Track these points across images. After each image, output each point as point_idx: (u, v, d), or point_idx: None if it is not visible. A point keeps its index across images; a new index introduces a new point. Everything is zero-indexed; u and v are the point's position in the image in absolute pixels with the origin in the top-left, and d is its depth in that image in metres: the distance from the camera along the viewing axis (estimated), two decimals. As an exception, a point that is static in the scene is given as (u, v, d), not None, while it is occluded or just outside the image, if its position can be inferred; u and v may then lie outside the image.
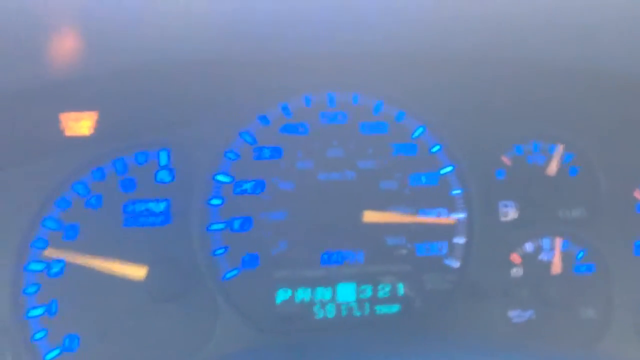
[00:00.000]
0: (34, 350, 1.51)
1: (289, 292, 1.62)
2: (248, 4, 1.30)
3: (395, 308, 1.65)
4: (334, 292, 1.64)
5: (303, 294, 1.63)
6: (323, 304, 1.63)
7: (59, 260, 1.54)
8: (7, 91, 1.46)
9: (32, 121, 1.53)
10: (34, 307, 1.52)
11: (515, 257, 1.68)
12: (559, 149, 1.72)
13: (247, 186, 1.63)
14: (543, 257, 1.69)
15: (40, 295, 1.53)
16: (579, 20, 1.38)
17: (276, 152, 1.65)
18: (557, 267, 1.68)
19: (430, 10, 1.38)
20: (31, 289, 1.52)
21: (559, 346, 1.61)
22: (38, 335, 1.51)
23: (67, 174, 1.56)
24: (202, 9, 1.29)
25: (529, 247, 1.69)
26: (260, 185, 1.64)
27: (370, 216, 1.64)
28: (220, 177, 1.62)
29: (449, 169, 1.69)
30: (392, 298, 1.65)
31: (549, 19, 1.39)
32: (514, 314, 1.66)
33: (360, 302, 1.64)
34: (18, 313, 1.51)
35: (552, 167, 1.72)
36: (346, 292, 1.64)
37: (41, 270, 1.53)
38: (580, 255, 1.69)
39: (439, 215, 1.68)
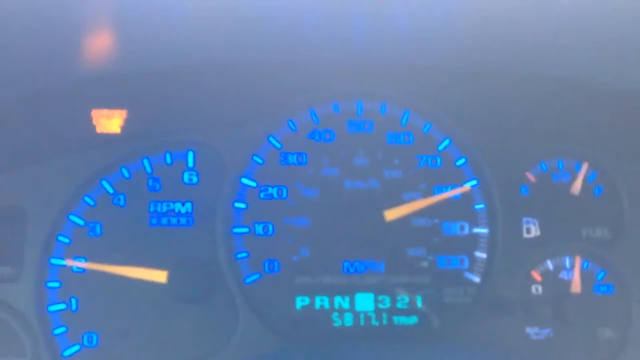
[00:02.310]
0: (54, 345, 1.52)
1: (308, 299, 1.62)
2: (284, 11, 1.31)
3: (413, 319, 1.65)
4: (352, 301, 1.64)
5: (322, 302, 1.63)
6: (341, 312, 1.63)
7: (82, 257, 1.54)
8: (42, 86, 1.48)
9: (65, 117, 1.55)
10: (56, 303, 1.52)
11: (535, 274, 1.68)
12: (584, 168, 1.72)
13: (272, 191, 1.63)
14: (563, 275, 1.69)
15: (62, 291, 1.54)
16: (610, 40, 1.38)
17: (302, 158, 1.66)
18: (577, 286, 1.68)
19: (461, 25, 1.39)
20: (54, 284, 1.53)
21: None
22: (58, 331, 1.52)
23: (96, 171, 1.56)
24: (237, 13, 1.29)
25: (550, 264, 1.69)
26: (284, 191, 1.64)
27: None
28: (245, 181, 1.62)
29: (473, 182, 1.69)
30: (410, 309, 1.65)
31: (579, 38, 1.39)
32: (532, 331, 1.66)
33: (378, 312, 1.64)
34: (40, 306, 1.51)
35: (577, 186, 1.72)
36: (365, 302, 1.64)
37: (64, 266, 1.53)
38: (601, 275, 1.69)
39: (461, 229, 1.68)
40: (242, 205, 1.62)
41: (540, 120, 1.71)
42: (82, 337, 1.52)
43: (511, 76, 1.65)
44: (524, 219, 1.70)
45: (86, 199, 1.56)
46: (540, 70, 1.64)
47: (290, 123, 1.65)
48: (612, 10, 1.22)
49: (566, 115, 1.71)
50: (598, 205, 1.73)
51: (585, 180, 1.73)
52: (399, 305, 1.64)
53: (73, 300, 1.53)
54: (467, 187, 1.69)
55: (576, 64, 1.57)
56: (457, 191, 1.68)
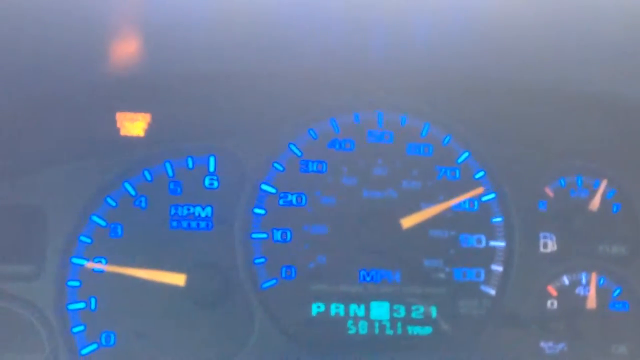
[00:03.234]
0: (72, 343, 1.54)
1: (323, 306, 1.63)
2: (309, 20, 1.32)
3: (427, 330, 1.66)
4: (367, 309, 1.65)
5: (337, 309, 1.64)
6: (356, 320, 1.64)
7: (102, 257, 1.56)
8: (69, 88, 1.50)
9: (90, 119, 1.57)
10: (75, 301, 1.54)
11: (551, 289, 1.68)
12: (603, 185, 1.72)
13: (292, 198, 1.65)
14: (579, 291, 1.69)
15: (82, 290, 1.56)
16: (633, 54, 1.38)
17: (321, 167, 1.67)
18: (592, 302, 1.69)
19: (482, 39, 1.39)
20: (74, 283, 1.55)
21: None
22: (76, 329, 1.54)
23: (119, 173, 1.58)
24: (262, 21, 1.31)
25: (566, 280, 1.69)
26: (303, 198, 1.65)
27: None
28: (265, 187, 1.64)
29: (491, 196, 1.70)
30: (425, 320, 1.66)
31: (602, 53, 1.40)
32: (546, 345, 1.66)
33: (393, 321, 1.65)
34: (60, 305, 1.53)
35: (595, 203, 1.72)
36: (380, 310, 1.65)
37: (85, 265, 1.55)
38: (617, 292, 1.69)
39: (478, 242, 1.68)
40: (261, 211, 1.63)
41: (560, 136, 1.72)
42: (100, 337, 1.54)
43: (532, 91, 1.66)
44: (541, 234, 1.70)
45: (108, 200, 1.58)
46: (561, 86, 1.64)
47: (311, 131, 1.67)
48: (634, 25, 1.23)
49: (586, 131, 1.72)
50: (615, 223, 1.73)
51: (603, 197, 1.73)
52: (414, 315, 1.65)
53: (92, 300, 1.55)
54: (480, 189, 1.68)
55: (598, 80, 1.58)
56: (472, 194, 1.68)
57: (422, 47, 1.51)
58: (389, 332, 1.65)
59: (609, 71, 1.50)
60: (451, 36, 1.41)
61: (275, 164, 1.65)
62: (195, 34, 1.38)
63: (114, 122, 1.59)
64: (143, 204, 1.60)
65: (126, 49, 1.46)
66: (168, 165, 1.61)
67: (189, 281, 1.55)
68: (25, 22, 1.20)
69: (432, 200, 1.68)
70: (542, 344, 1.66)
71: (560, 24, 1.28)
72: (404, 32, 1.41)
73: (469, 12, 1.29)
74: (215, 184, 1.63)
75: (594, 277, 1.69)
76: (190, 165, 1.62)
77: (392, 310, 1.65)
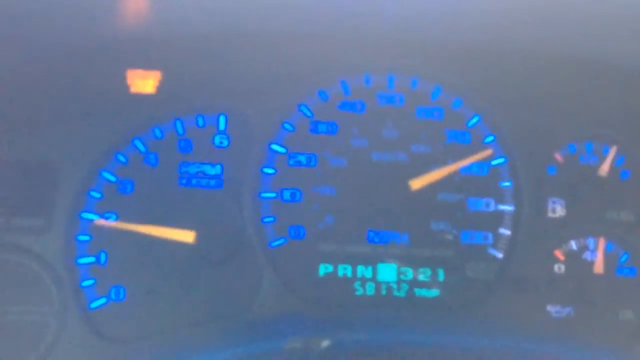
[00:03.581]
0: (81, 297, 1.55)
1: (331, 267, 1.63)
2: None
3: (434, 292, 1.66)
4: (375, 271, 1.65)
5: (345, 270, 1.64)
6: (364, 281, 1.65)
7: (112, 212, 1.57)
8: (80, 44, 1.50)
9: (101, 75, 1.57)
10: (85, 256, 1.55)
11: (558, 254, 1.68)
12: (613, 151, 1.72)
13: (301, 158, 1.65)
14: (587, 256, 1.69)
15: (92, 245, 1.57)
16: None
17: (332, 128, 1.67)
18: (599, 267, 1.69)
19: (496, 5, 1.39)
20: (83, 237, 1.56)
21: (595, 344, 1.62)
22: (86, 283, 1.55)
23: (129, 130, 1.59)
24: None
25: (573, 245, 1.69)
26: (313, 159, 1.66)
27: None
28: (275, 147, 1.64)
29: (500, 160, 1.70)
30: (432, 282, 1.66)
31: (616, 19, 1.39)
32: (553, 309, 1.67)
33: (400, 283, 1.65)
34: (69, 259, 1.54)
35: (604, 169, 1.72)
36: (387, 272, 1.66)
37: (94, 220, 1.56)
38: (624, 258, 1.69)
39: (486, 205, 1.68)
40: (271, 171, 1.63)
41: (571, 102, 1.71)
42: (109, 291, 1.55)
43: (545, 56, 1.65)
44: (550, 199, 1.70)
45: (118, 156, 1.58)
46: (574, 52, 1.64)
47: (321, 92, 1.67)
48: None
49: (597, 98, 1.71)
50: (624, 189, 1.73)
51: (612, 163, 1.73)
52: (420, 277, 1.66)
53: (102, 254, 1.56)
54: (489, 151, 1.68)
55: (611, 48, 1.57)
56: (480, 156, 1.69)
57: (435, 11, 1.50)
58: (396, 293, 1.65)
59: (623, 39, 1.49)
60: (465, 4, 1.40)
61: (286, 124, 1.65)
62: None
63: (125, 79, 1.58)
64: (153, 161, 1.60)
65: (138, 6, 1.46)
66: (178, 123, 1.61)
67: (197, 238, 1.55)
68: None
69: (442, 164, 1.68)
70: (549, 308, 1.67)
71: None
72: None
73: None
74: (225, 142, 1.63)
75: (601, 242, 1.70)
76: (201, 123, 1.63)
77: (399, 272, 1.65)
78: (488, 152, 1.68)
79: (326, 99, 1.67)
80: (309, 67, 1.67)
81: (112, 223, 1.55)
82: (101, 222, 1.55)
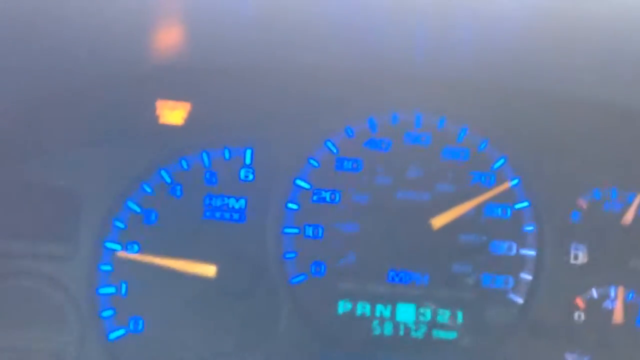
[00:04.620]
0: (100, 327, 1.55)
1: (350, 305, 1.63)
2: (352, 19, 1.32)
3: (452, 334, 1.65)
4: (393, 311, 1.65)
5: (363, 308, 1.64)
6: (382, 321, 1.65)
7: (135, 243, 1.57)
8: (112, 73, 1.50)
9: (130, 105, 1.57)
10: (106, 285, 1.55)
11: (579, 301, 1.67)
12: (638, 199, 1.71)
13: (325, 195, 1.65)
14: (607, 304, 1.68)
15: (113, 275, 1.57)
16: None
17: (356, 165, 1.67)
18: (619, 316, 1.68)
19: (526, 45, 1.39)
20: (105, 267, 1.56)
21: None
22: (106, 313, 1.55)
23: (156, 160, 1.59)
24: (307, 18, 1.31)
25: (594, 292, 1.68)
26: (336, 196, 1.65)
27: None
28: (300, 182, 1.64)
29: (524, 204, 1.69)
30: (450, 324, 1.66)
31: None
32: (570, 357, 1.66)
33: (418, 323, 1.65)
34: (91, 288, 1.54)
35: (629, 217, 1.71)
36: (406, 312, 1.65)
37: (117, 250, 1.56)
38: (645, 308, 1.69)
39: (509, 249, 1.68)
40: (295, 206, 1.63)
41: (596, 148, 1.71)
42: (129, 322, 1.55)
43: (571, 100, 1.65)
44: (573, 245, 1.69)
45: (144, 186, 1.58)
46: (601, 97, 1.63)
47: (348, 129, 1.67)
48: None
49: (623, 144, 1.71)
50: (648, 238, 1.72)
51: (637, 211, 1.72)
52: (439, 319, 1.65)
53: (123, 285, 1.56)
54: (507, 184, 1.68)
55: (638, 93, 1.57)
56: (499, 189, 1.68)
57: (465, 52, 1.50)
58: (414, 334, 1.65)
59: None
60: (495, 45, 1.40)
61: (311, 160, 1.65)
62: (239, 27, 1.37)
63: (154, 109, 1.58)
64: (178, 192, 1.60)
65: (170, 38, 1.46)
66: (205, 155, 1.62)
67: (219, 272, 1.55)
68: (71, 8, 1.20)
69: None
70: (567, 356, 1.66)
71: (608, 40, 1.27)
72: (448, 37, 1.40)
73: (515, 22, 1.28)
74: (251, 176, 1.63)
75: (621, 291, 1.68)
76: (227, 156, 1.63)
77: (418, 313, 1.65)
78: (505, 185, 1.67)
79: (352, 135, 1.67)
80: (338, 103, 1.67)
81: (134, 256, 1.54)
82: (123, 254, 1.54)
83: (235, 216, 1.62)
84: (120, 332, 1.55)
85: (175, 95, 1.60)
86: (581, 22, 1.24)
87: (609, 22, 1.22)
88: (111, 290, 1.55)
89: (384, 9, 1.28)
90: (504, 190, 1.68)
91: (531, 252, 1.68)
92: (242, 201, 1.62)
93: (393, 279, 1.65)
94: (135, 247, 1.57)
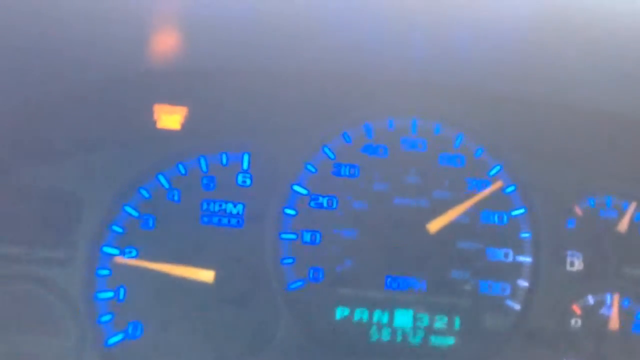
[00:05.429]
0: (99, 332, 1.54)
1: (348, 311, 1.63)
2: (349, 25, 1.33)
3: (450, 341, 1.65)
4: (391, 317, 1.65)
5: (361, 314, 1.64)
6: (379, 327, 1.64)
7: (133, 248, 1.57)
8: (109, 76, 1.51)
9: (128, 109, 1.57)
10: (104, 290, 1.55)
11: (576, 308, 1.68)
12: (633, 207, 1.72)
13: (323, 200, 1.65)
14: (603, 311, 1.69)
15: (111, 280, 1.56)
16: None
17: (354, 171, 1.67)
18: (615, 323, 1.68)
19: (523, 54, 1.40)
20: (103, 272, 1.55)
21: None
22: (104, 318, 1.54)
23: (154, 165, 1.59)
24: (304, 23, 1.32)
25: (590, 299, 1.69)
26: (334, 201, 1.66)
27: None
28: (297, 188, 1.64)
29: (520, 211, 1.70)
30: (448, 330, 1.65)
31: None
32: (567, 364, 1.66)
33: (416, 329, 1.65)
34: (89, 293, 1.54)
35: (624, 224, 1.72)
36: (403, 318, 1.65)
37: (114, 255, 1.56)
38: (641, 314, 1.69)
39: (505, 256, 1.68)
40: (292, 212, 1.64)
41: (592, 156, 1.72)
42: (127, 327, 1.55)
43: (568, 109, 1.67)
44: (569, 252, 1.70)
45: (142, 191, 1.58)
46: (597, 106, 1.65)
47: (345, 135, 1.67)
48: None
49: (618, 152, 1.72)
50: (642, 245, 1.73)
51: (632, 219, 1.73)
52: (437, 325, 1.65)
53: (121, 290, 1.55)
54: (499, 183, 1.69)
55: (635, 102, 1.58)
56: (493, 189, 1.69)
57: (461, 59, 1.51)
58: (411, 340, 1.64)
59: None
60: (490, 53, 1.42)
61: (308, 166, 1.65)
62: (236, 31, 1.38)
63: (152, 114, 1.59)
64: (175, 197, 1.60)
65: (167, 42, 1.47)
66: (202, 160, 1.62)
67: (217, 278, 1.55)
68: (67, 13, 1.21)
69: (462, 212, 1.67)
70: (564, 362, 1.66)
71: (603, 48, 1.28)
72: (444, 45, 1.42)
73: (511, 30, 1.29)
74: (248, 181, 1.63)
75: (616, 298, 1.69)
76: (224, 161, 1.63)
77: (415, 319, 1.65)
78: (499, 184, 1.69)
79: (349, 141, 1.68)
80: (335, 108, 1.68)
81: (132, 261, 1.54)
82: (121, 259, 1.53)
83: (233, 221, 1.62)
84: (119, 337, 1.54)
85: (172, 99, 1.61)
86: (575, 31, 1.26)
87: (604, 32, 1.24)
88: (109, 295, 1.54)
89: (381, 16, 1.29)
90: (498, 192, 1.69)
91: (527, 259, 1.69)
92: (240, 206, 1.62)
93: (391, 285, 1.65)
94: (133, 252, 1.57)
